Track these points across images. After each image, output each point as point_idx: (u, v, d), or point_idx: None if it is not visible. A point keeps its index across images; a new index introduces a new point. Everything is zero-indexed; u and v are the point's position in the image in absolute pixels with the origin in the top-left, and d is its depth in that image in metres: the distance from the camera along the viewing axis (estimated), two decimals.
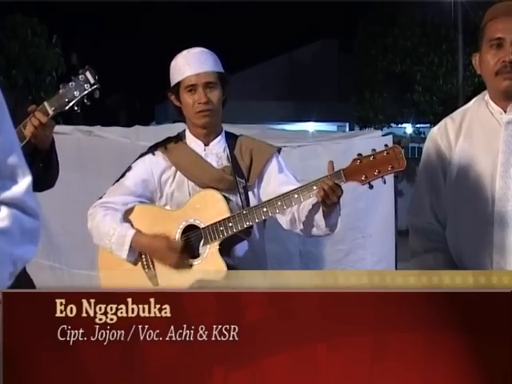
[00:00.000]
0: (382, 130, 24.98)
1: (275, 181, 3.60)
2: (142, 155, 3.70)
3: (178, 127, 4.05)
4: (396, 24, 23.83)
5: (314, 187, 3.32)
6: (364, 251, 6.31)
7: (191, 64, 3.55)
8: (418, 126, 26.97)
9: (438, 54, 23.26)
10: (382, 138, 6.56)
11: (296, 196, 3.37)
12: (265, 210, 3.42)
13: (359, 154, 3.34)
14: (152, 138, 5.68)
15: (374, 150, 3.33)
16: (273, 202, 3.41)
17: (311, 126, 27.71)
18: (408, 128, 28.20)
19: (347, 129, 28.59)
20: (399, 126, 26.86)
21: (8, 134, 1.97)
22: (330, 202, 3.30)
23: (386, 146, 3.33)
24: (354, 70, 25.96)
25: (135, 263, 3.60)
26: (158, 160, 3.64)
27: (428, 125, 24.97)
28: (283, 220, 3.56)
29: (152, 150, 3.68)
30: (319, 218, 3.41)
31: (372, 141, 6.42)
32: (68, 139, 5.69)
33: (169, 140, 3.71)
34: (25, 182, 1.97)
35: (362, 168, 3.29)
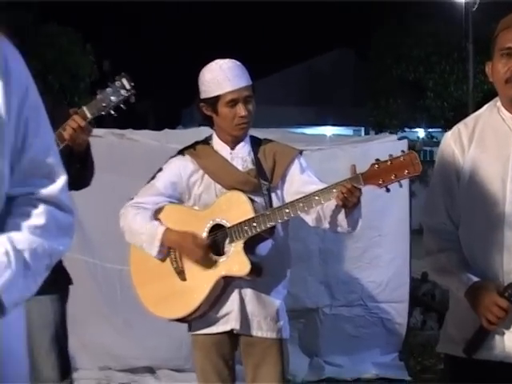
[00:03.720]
0: (396, 134, 25.06)
1: (298, 181, 3.60)
2: (171, 158, 3.70)
3: (204, 131, 4.06)
4: (409, 34, 23.74)
5: (334, 190, 3.33)
6: (380, 249, 6.29)
7: (231, 79, 3.55)
8: (430, 130, 26.88)
9: (450, 62, 23.20)
10: (398, 142, 6.53)
11: (317, 198, 3.37)
12: (287, 210, 3.42)
13: (377, 159, 3.34)
14: (180, 141, 5.69)
15: (390, 155, 3.33)
16: (294, 203, 3.41)
17: (329, 130, 27.69)
18: (420, 132, 28.11)
19: (363, 133, 28.52)
20: (412, 130, 26.77)
21: (46, 135, 1.98)
22: (348, 203, 3.31)
23: (402, 151, 3.33)
24: (370, 78, 25.92)
25: (164, 259, 3.61)
26: (186, 163, 3.65)
27: (439, 129, 24.90)
28: (309, 218, 3.56)
29: (181, 153, 3.69)
30: (342, 218, 3.42)
31: (388, 145, 6.40)
32: (102, 141, 5.70)
33: (197, 144, 3.72)
34: (61, 180, 1.98)
35: (380, 172, 3.29)
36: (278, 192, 3.62)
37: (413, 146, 7.06)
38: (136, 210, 3.62)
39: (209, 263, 3.51)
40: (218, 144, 3.67)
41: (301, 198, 3.40)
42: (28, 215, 1.90)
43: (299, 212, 3.43)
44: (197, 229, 3.54)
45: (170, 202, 3.66)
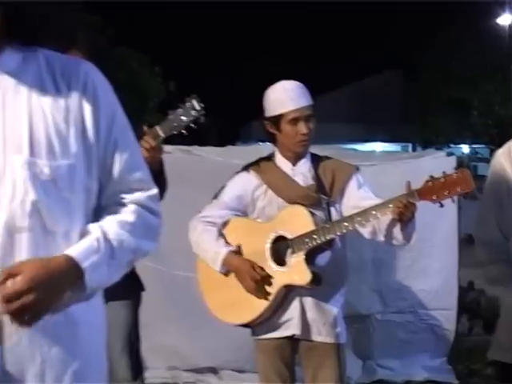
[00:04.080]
0: (442, 149, 24.83)
1: (355, 197, 3.58)
2: (237, 173, 3.71)
3: (263, 147, 4.06)
4: (455, 56, 23.55)
5: (390, 205, 3.31)
6: (430, 259, 6.21)
7: (293, 98, 3.56)
8: (474, 146, 26.59)
9: (494, 82, 22.92)
10: (446, 158, 6.44)
11: (374, 212, 3.36)
12: (346, 224, 3.41)
13: (431, 176, 3.33)
14: (241, 157, 5.69)
15: (444, 172, 3.32)
16: (353, 217, 3.40)
17: (378, 146, 27.53)
18: (465, 148, 27.83)
19: (410, 149, 28.33)
20: (457, 146, 26.52)
21: (135, 153, 2.01)
22: (404, 217, 3.29)
23: (455, 168, 3.31)
24: (418, 97, 25.75)
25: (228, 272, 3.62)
26: (251, 178, 3.65)
27: (483, 145, 24.63)
28: (365, 231, 3.53)
29: (246, 169, 3.69)
30: (397, 231, 3.40)
31: (437, 161, 6.34)
32: (170, 157, 5.72)
33: (261, 160, 3.73)
34: (152, 191, 2.01)
35: (434, 189, 3.28)
36: (337, 206, 3.61)
37: (461, 162, 7.00)
38: (204, 226, 3.65)
39: (254, 293, 3.52)
40: (281, 160, 3.67)
41: (359, 212, 3.39)
42: (119, 212, 1.93)
43: (357, 225, 3.41)
44: (260, 240, 3.55)
45: (236, 215, 3.67)
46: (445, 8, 25.07)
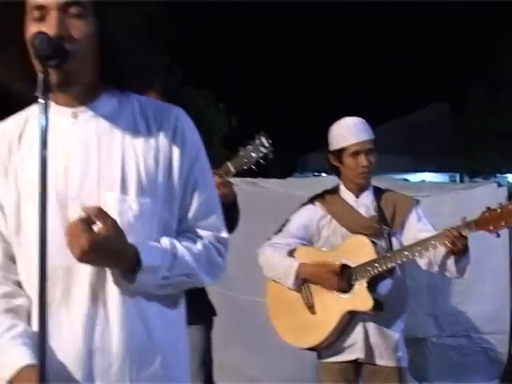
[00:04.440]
0: (488, 179, 24.47)
1: (415, 228, 3.54)
2: (303, 205, 3.71)
3: (323, 179, 4.01)
4: (501, 90, 23.24)
5: (448, 234, 3.26)
6: (483, 285, 6.07)
7: (355, 133, 3.57)
8: None
9: None
10: (497, 189, 6.32)
11: (433, 242, 3.32)
12: (406, 253, 3.38)
13: (488, 208, 3.28)
14: (303, 188, 5.68)
15: (500, 204, 3.27)
16: (412, 246, 3.37)
17: (427, 176, 27.24)
18: (510, 177, 27.34)
19: (458, 179, 27.93)
20: (503, 175, 26.09)
21: (212, 194, 2.01)
22: (455, 249, 3.24)
23: (507, 199, 3.26)
24: (465, 128, 25.45)
25: (297, 291, 3.59)
26: (317, 209, 3.64)
27: None
28: (422, 262, 3.50)
29: (312, 200, 3.69)
30: (451, 263, 3.37)
31: (489, 191, 6.25)
32: (236, 189, 5.75)
33: (326, 192, 3.72)
34: (223, 234, 1.99)
35: (491, 219, 3.23)
36: (397, 236, 3.58)
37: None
38: (273, 249, 3.64)
39: (342, 289, 3.48)
40: (345, 192, 3.65)
41: (418, 242, 3.37)
42: (189, 239, 1.92)
43: (416, 254, 3.38)
44: None
45: (302, 244, 3.66)
46: (489, 44, 24.83)
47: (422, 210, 3.63)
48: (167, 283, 1.86)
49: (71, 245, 1.71)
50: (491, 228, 3.22)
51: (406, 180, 13.99)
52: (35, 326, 1.82)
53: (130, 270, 1.79)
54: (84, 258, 1.72)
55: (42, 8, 1.77)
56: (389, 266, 3.40)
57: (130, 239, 1.81)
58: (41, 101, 1.66)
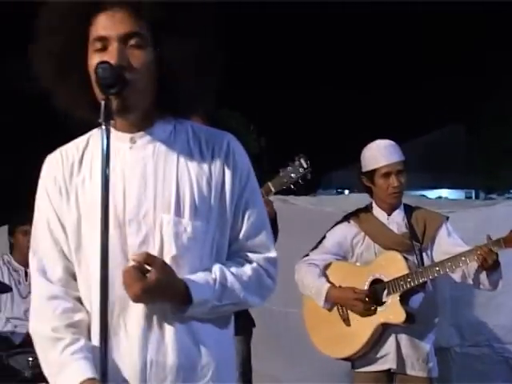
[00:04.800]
0: (503, 195, 24.23)
1: (445, 243, 3.49)
2: (338, 222, 3.67)
3: (350, 196, 3.94)
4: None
5: (478, 251, 3.21)
6: (504, 297, 5.90)
7: (385, 155, 3.53)
8: None
9: None
10: None
11: (463, 258, 3.27)
12: (437, 268, 3.33)
13: None
14: (331, 205, 5.63)
15: None
16: (444, 262, 3.32)
17: (444, 193, 27.06)
18: None
19: (473, 195, 27.69)
20: None
21: (261, 214, 1.97)
22: (486, 264, 3.19)
23: None
24: (479, 147, 25.26)
25: (331, 308, 3.54)
26: (351, 227, 3.61)
27: None
28: (456, 276, 3.45)
29: (347, 218, 3.65)
30: (483, 277, 3.32)
31: (509, 209, 6.16)
32: None
33: (359, 211, 3.68)
34: (271, 254, 1.94)
35: None
36: (428, 252, 3.53)
37: None
38: (307, 267, 3.60)
39: (367, 314, 3.43)
40: (377, 210, 3.61)
41: (449, 258, 3.31)
42: (240, 264, 1.89)
43: (447, 270, 3.33)
44: (359, 282, 3.49)
45: (337, 259, 3.61)
46: (505, 67, 24.70)
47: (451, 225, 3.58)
48: (216, 311, 1.84)
49: (127, 289, 1.73)
50: None
51: (423, 196, 13.90)
52: (95, 341, 1.80)
53: (182, 304, 1.78)
54: (138, 300, 1.75)
55: (103, 39, 1.78)
56: (421, 280, 3.36)
57: (185, 260, 1.80)
58: (103, 126, 1.65)
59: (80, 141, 1.95)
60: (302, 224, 5.39)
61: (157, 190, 1.83)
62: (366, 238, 3.57)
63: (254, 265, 1.90)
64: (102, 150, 1.65)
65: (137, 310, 1.79)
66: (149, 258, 1.74)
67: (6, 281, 4.94)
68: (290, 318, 5.08)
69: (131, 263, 1.75)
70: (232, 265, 1.88)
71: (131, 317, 1.78)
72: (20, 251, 5.10)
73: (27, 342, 4.72)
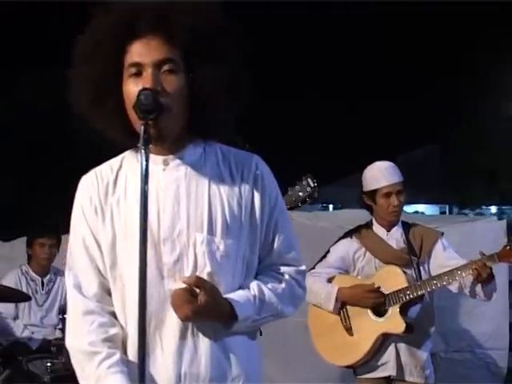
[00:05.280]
0: (474, 210, 24.31)
1: (441, 257, 3.45)
2: (341, 238, 3.62)
3: (340, 212, 3.86)
4: (483, 135, 23.19)
5: (473, 266, 3.17)
6: (485, 306, 5.73)
7: (386, 176, 3.49)
8: (503, 207, 25.94)
9: None
10: (498, 222, 6.21)
11: (459, 272, 3.24)
12: (434, 282, 3.29)
13: (509, 242, 3.17)
14: (327, 220, 5.55)
15: None
16: (441, 276, 3.28)
17: (420, 207, 27.13)
18: (493, 208, 27.16)
19: (447, 210, 27.76)
20: (488, 207, 25.96)
21: (290, 233, 1.93)
22: (480, 278, 3.15)
23: (509, 231, 3.19)
24: (453, 166, 25.35)
25: (336, 316, 3.47)
26: (353, 242, 3.56)
27: (509, 206, 24.06)
28: (452, 287, 3.40)
29: (349, 234, 3.60)
30: (479, 289, 3.28)
31: (490, 224, 6.15)
32: None
33: (360, 227, 3.63)
34: (302, 267, 1.93)
35: (511, 252, 3.12)
36: (425, 265, 3.48)
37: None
38: (314, 277, 3.53)
39: (378, 306, 3.38)
40: (377, 227, 3.57)
41: (446, 272, 3.27)
42: (275, 279, 1.87)
43: (444, 283, 3.28)
44: None
45: (339, 273, 3.56)
46: (476, 93, 24.85)
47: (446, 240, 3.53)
48: (256, 324, 1.83)
49: (176, 310, 1.71)
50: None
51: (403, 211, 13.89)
52: (130, 355, 1.75)
53: (227, 322, 1.75)
54: (187, 321, 1.72)
55: (138, 65, 1.73)
56: (419, 293, 3.31)
57: (219, 277, 1.76)
58: (142, 150, 1.60)
59: (113, 162, 1.90)
60: (300, 238, 5.33)
61: (190, 209, 1.77)
62: (367, 253, 3.52)
63: (287, 277, 1.87)
64: (141, 172, 1.59)
65: (172, 325, 1.73)
66: (199, 281, 1.71)
67: (24, 290, 4.88)
68: (287, 327, 5.01)
69: (180, 285, 1.71)
70: (267, 280, 1.85)
71: (166, 331, 1.73)
72: (37, 262, 5.04)
73: (43, 348, 4.68)
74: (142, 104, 1.63)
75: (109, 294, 1.80)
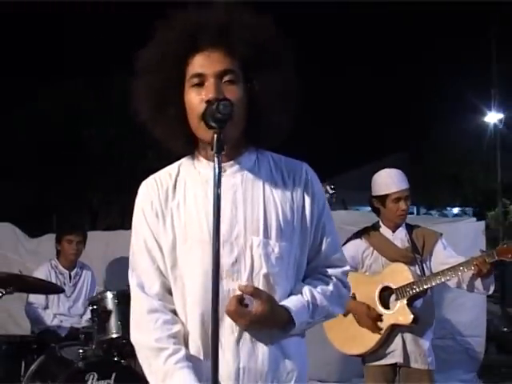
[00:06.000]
0: (440, 211, 24.37)
1: (441, 255, 3.39)
2: (350, 239, 3.53)
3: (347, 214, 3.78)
4: (450, 144, 23.28)
5: (475, 262, 3.12)
6: (465, 298, 5.77)
7: (396, 183, 3.45)
8: (466, 208, 26.04)
9: (479, 163, 22.46)
10: (476, 223, 6.19)
11: (461, 268, 3.19)
12: (439, 276, 3.24)
13: (505, 241, 3.12)
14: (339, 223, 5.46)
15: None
16: (445, 271, 3.22)
17: None
18: (455, 210, 27.23)
19: (415, 211, 27.81)
20: (452, 208, 26.05)
21: (335, 236, 1.86)
22: (481, 273, 3.08)
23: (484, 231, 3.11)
24: (422, 172, 25.41)
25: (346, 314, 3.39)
26: (361, 242, 3.49)
27: (471, 208, 24.18)
28: (451, 282, 3.33)
29: (358, 235, 3.52)
30: (478, 283, 3.22)
31: (470, 225, 6.13)
32: None
33: (368, 228, 3.56)
34: (345, 268, 1.86)
35: (509, 249, 3.09)
36: (427, 263, 3.41)
37: (488, 225, 6.73)
38: None
39: (372, 330, 3.29)
40: (384, 228, 3.50)
41: (449, 268, 3.21)
42: (323, 282, 1.79)
43: (448, 278, 3.22)
44: (371, 289, 3.35)
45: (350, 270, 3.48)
46: (441, 107, 24.95)
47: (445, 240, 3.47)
48: (310, 326, 1.76)
49: (235, 319, 1.64)
50: (510, 256, 3.08)
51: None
52: (192, 350, 1.67)
53: (285, 327, 1.69)
54: (247, 329, 1.66)
55: (201, 75, 1.65)
56: (425, 287, 3.25)
57: (275, 277, 1.69)
58: (215, 158, 1.52)
59: (171, 168, 1.81)
60: None
61: (246, 214, 1.69)
62: (374, 252, 3.45)
63: (334, 279, 1.80)
64: (214, 177, 1.52)
65: (230, 323, 1.65)
66: (255, 291, 1.63)
67: (54, 282, 4.77)
68: None
69: (236, 291, 1.65)
70: (316, 283, 1.77)
71: (224, 329, 1.64)
72: (65, 257, 4.94)
73: (72, 335, 4.58)
74: (220, 113, 1.54)
75: (170, 293, 1.72)
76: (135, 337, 1.70)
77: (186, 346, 1.67)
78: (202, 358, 1.65)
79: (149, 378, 1.66)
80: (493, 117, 16.08)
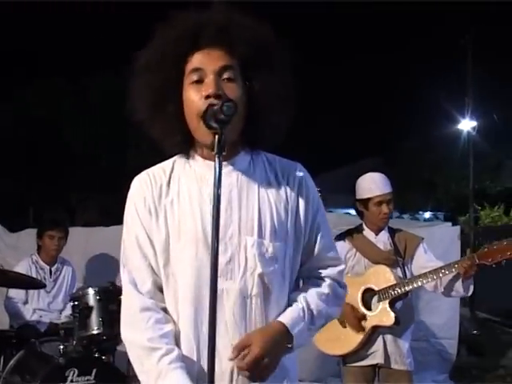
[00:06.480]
0: (414, 215, 24.57)
1: (422, 259, 3.40)
2: (335, 241, 3.52)
3: (329, 216, 3.80)
4: (425, 149, 23.51)
5: (456, 265, 3.13)
6: (439, 301, 5.76)
7: (379, 186, 3.44)
8: (438, 213, 26.31)
9: (453, 169, 22.70)
10: (452, 227, 6.25)
11: (443, 271, 3.20)
12: (420, 279, 3.24)
13: (485, 244, 3.13)
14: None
15: (491, 242, 3.11)
16: (426, 274, 3.23)
17: None
18: (427, 214, 27.49)
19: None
20: (424, 212, 26.29)
21: (329, 236, 1.84)
22: (467, 274, 3.10)
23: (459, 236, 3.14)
24: (396, 176, 25.60)
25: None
26: (345, 244, 3.48)
27: (442, 213, 24.41)
28: (428, 286, 3.33)
29: (342, 237, 3.51)
30: (458, 285, 3.22)
31: (445, 229, 6.18)
32: None
33: (351, 231, 3.55)
34: (340, 267, 1.83)
35: (489, 253, 3.09)
36: (409, 266, 3.42)
37: (463, 229, 6.78)
38: None
39: (355, 329, 3.29)
40: (367, 231, 3.50)
41: (431, 271, 3.22)
42: (317, 284, 1.76)
43: (429, 280, 3.22)
44: (354, 291, 3.33)
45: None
46: (417, 114, 25.19)
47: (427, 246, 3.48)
48: (313, 332, 1.74)
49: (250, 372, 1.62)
50: (490, 260, 3.08)
51: (348, 214, 13.90)
52: (184, 349, 1.63)
53: (288, 343, 1.66)
54: (270, 374, 1.63)
55: (200, 70, 1.62)
56: (407, 289, 3.24)
57: (270, 277, 1.66)
58: (216, 158, 1.49)
59: (165, 165, 1.77)
60: None
61: (241, 214, 1.66)
62: (357, 253, 3.44)
63: (328, 280, 1.77)
64: (215, 178, 1.48)
65: (224, 322, 1.62)
66: (243, 341, 1.60)
67: (34, 277, 4.69)
68: None
69: (231, 284, 1.63)
70: (310, 287, 1.75)
71: (219, 328, 1.60)
72: (46, 252, 4.86)
73: (51, 330, 4.51)
74: (224, 114, 1.51)
75: (161, 290, 1.68)
76: (127, 335, 1.65)
77: (178, 344, 1.63)
78: (194, 356, 1.62)
79: (140, 377, 1.62)
80: (466, 124, 16.18)
